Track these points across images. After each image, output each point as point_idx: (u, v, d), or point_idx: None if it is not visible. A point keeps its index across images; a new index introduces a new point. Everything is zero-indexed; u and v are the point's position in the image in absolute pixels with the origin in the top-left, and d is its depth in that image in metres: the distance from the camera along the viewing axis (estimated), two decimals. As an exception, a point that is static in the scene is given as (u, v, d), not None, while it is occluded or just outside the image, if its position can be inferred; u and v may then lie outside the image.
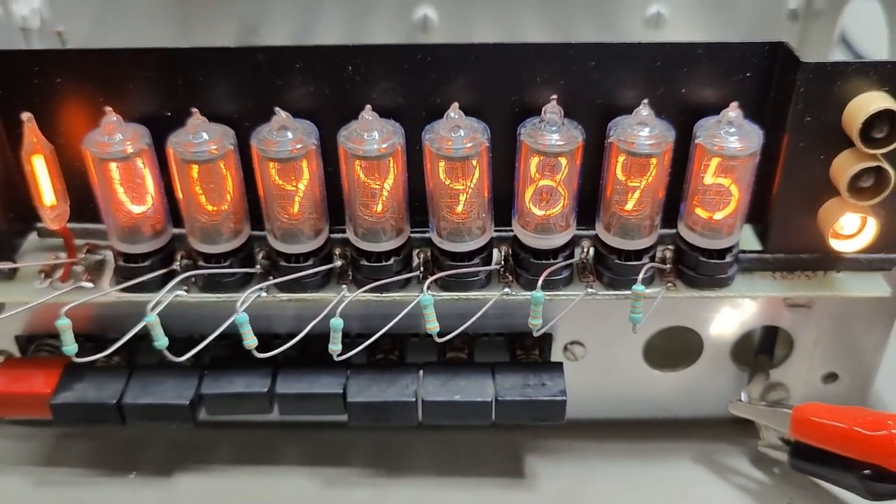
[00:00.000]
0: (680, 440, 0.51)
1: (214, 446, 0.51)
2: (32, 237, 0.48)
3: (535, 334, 0.43)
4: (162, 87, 0.43)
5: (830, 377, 0.50)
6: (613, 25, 0.63)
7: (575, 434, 0.51)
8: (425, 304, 0.42)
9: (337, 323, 0.42)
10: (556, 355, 0.49)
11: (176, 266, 0.45)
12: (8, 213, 0.46)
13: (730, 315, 0.48)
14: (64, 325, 0.41)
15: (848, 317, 0.48)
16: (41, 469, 0.50)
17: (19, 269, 0.46)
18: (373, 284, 0.44)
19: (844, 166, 0.42)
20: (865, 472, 0.43)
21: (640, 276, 0.43)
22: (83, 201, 0.45)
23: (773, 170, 0.44)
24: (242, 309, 0.42)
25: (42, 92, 0.44)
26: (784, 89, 0.42)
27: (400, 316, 0.43)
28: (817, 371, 0.50)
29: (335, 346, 0.42)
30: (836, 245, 0.44)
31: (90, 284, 0.46)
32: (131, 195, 0.43)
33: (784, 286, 0.46)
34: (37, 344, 0.49)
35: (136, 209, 0.44)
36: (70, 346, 0.42)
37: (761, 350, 0.50)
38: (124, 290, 0.44)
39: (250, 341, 0.42)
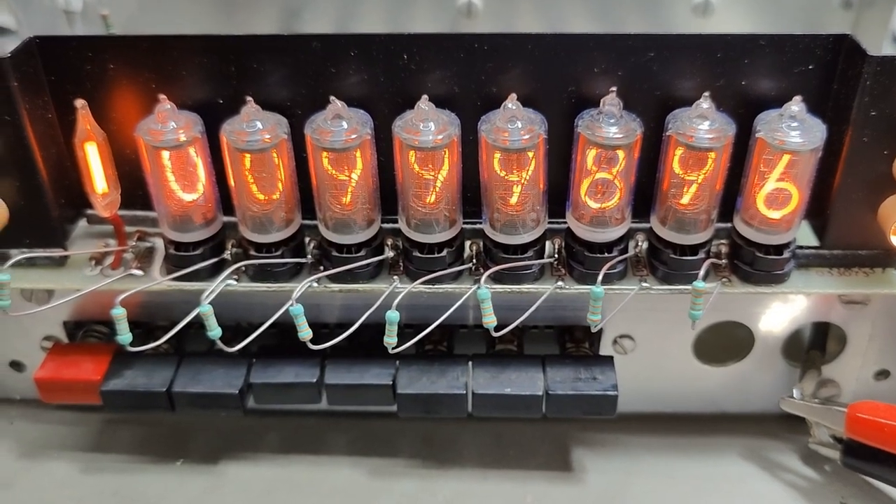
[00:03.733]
0: (728, 435, 0.50)
1: (262, 434, 0.51)
2: (82, 224, 0.48)
3: (594, 329, 0.43)
4: (215, 74, 0.43)
5: (883, 374, 0.49)
6: (660, 12, 0.62)
7: (623, 427, 0.50)
8: (482, 297, 0.41)
9: (393, 316, 0.41)
10: (606, 348, 0.49)
11: (227, 255, 0.45)
12: (59, 200, 0.46)
13: (782, 310, 0.47)
14: (119, 314, 0.41)
15: (904, 314, 0.47)
16: (88, 455, 0.50)
17: (70, 256, 0.46)
18: (427, 277, 0.43)
19: (909, 162, 0.41)
20: (922, 472, 0.43)
21: (701, 272, 0.42)
22: (132, 188, 0.45)
23: (833, 164, 0.43)
24: (295, 298, 0.42)
25: (95, 78, 0.43)
26: (848, 82, 0.41)
27: (453, 308, 0.42)
28: (870, 368, 0.49)
29: (391, 339, 0.42)
30: (897, 242, 0.44)
31: (140, 272, 0.45)
32: (183, 183, 0.43)
33: (841, 283, 0.45)
34: (85, 330, 0.49)
35: (188, 197, 0.44)
36: (125, 335, 0.42)
37: (813, 346, 0.49)
38: (175, 279, 0.44)
39: (305, 333, 0.42)
